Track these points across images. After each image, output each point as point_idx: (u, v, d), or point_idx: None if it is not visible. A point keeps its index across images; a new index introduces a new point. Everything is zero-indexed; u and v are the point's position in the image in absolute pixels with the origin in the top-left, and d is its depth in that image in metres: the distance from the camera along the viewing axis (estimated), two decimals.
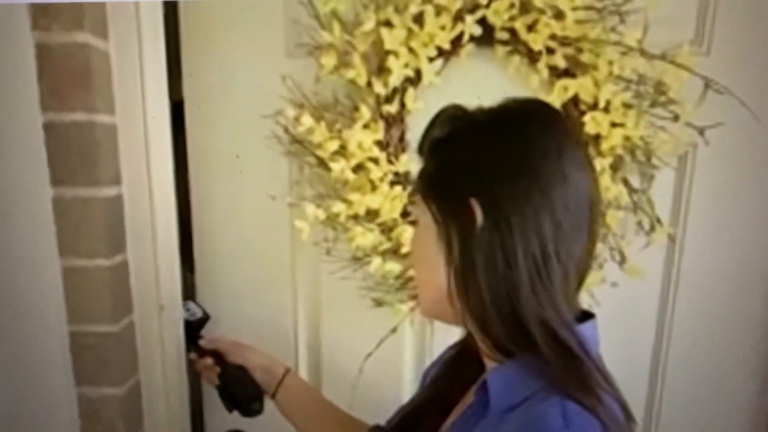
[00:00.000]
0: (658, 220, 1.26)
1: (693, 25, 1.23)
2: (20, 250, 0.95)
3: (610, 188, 1.21)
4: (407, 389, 1.42)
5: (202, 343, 1.21)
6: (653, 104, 1.20)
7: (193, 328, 1.24)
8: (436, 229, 0.75)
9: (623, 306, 1.32)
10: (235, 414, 1.15)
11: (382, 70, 1.19)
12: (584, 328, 0.72)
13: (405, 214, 1.24)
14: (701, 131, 1.19)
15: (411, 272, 1.25)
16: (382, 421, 1.07)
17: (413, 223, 1.21)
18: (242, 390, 1.14)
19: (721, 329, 1.35)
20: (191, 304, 1.26)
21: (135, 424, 1.11)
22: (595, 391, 0.66)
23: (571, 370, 0.67)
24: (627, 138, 1.19)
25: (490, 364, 0.77)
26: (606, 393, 0.67)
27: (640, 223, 1.27)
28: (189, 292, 1.30)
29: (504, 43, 1.19)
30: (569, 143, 0.71)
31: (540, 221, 0.67)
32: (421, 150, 0.80)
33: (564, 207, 0.68)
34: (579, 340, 0.69)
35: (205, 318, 1.26)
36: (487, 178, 0.70)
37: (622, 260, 1.26)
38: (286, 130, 1.26)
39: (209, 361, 1.18)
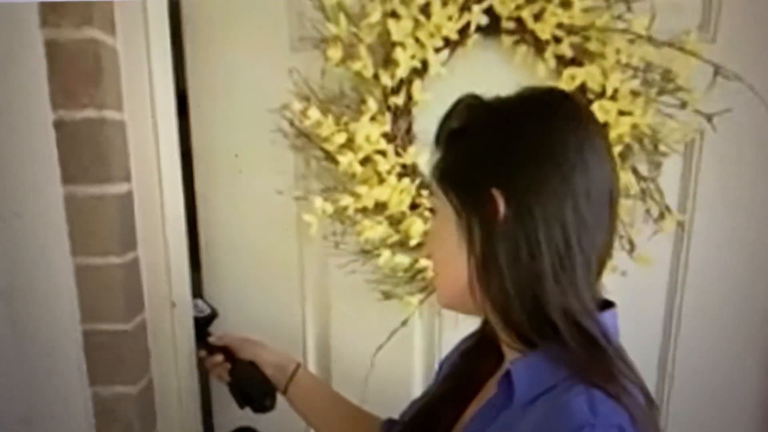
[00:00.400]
0: (668, 208, 1.28)
1: (699, 12, 1.24)
2: (33, 250, 0.95)
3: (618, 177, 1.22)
4: (417, 382, 1.43)
5: (211, 340, 1.22)
6: (661, 92, 1.21)
7: (202, 325, 1.25)
8: (457, 220, 0.75)
9: (631, 295, 1.33)
10: (246, 411, 1.17)
11: (388, 62, 1.20)
12: (605, 317, 0.73)
13: (413, 206, 1.25)
14: (709, 118, 1.21)
15: (423, 262, 1.26)
16: (393, 415, 1.09)
17: (432, 212, 1.22)
18: (254, 386, 1.15)
19: (730, 317, 1.36)
20: (199, 301, 1.28)
21: (149, 423, 1.12)
22: (618, 379, 0.67)
23: (595, 359, 0.68)
24: (635, 126, 1.20)
25: (511, 354, 0.78)
26: (629, 381, 0.69)
27: (648, 212, 1.29)
28: (195, 289, 1.31)
29: (511, 32, 1.20)
30: (591, 133, 0.72)
31: (563, 211, 0.68)
32: (438, 140, 0.80)
33: (586, 196, 0.69)
34: (602, 329, 0.70)
35: (214, 315, 1.27)
36: (509, 168, 0.71)
37: (632, 249, 1.28)
38: (292, 124, 1.27)
39: (219, 357, 1.19)
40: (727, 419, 1.43)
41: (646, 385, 0.72)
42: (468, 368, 0.93)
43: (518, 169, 0.70)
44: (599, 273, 0.76)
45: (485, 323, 0.91)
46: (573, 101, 0.78)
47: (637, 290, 1.33)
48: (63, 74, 0.91)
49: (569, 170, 0.69)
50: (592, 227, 0.71)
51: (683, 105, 1.21)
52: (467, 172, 0.75)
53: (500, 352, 0.83)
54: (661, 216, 1.28)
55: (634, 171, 1.26)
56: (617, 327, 0.76)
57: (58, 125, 0.93)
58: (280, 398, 1.18)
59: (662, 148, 1.25)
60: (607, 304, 0.77)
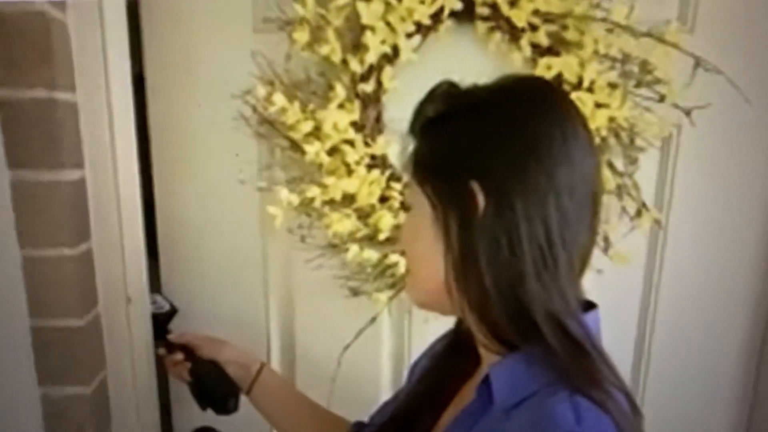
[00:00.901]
0: (644, 205, 1.28)
1: (677, 2, 1.25)
2: None
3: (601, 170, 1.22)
4: (386, 382, 1.43)
5: (171, 337, 1.20)
6: (638, 84, 1.21)
7: (161, 322, 1.22)
8: (433, 215, 0.73)
9: (607, 293, 1.34)
10: (207, 411, 1.15)
11: (357, 47, 1.18)
12: (588, 319, 0.72)
13: (383, 198, 1.24)
14: (688, 112, 1.21)
15: (393, 257, 1.25)
16: (361, 416, 1.08)
17: (406, 207, 1.21)
18: (216, 386, 1.13)
19: (705, 316, 1.38)
20: (158, 297, 1.25)
21: (104, 425, 1.08)
22: (603, 384, 0.66)
23: (579, 363, 0.67)
24: (612, 119, 1.20)
25: (489, 357, 0.76)
26: (614, 387, 0.67)
27: (624, 208, 1.29)
28: (154, 283, 1.28)
29: (485, 18, 1.19)
30: (575, 124, 0.70)
31: (545, 206, 0.67)
32: (412, 129, 0.78)
33: (569, 191, 0.67)
34: (586, 331, 0.69)
35: (173, 311, 1.24)
36: (488, 159, 0.69)
37: (607, 246, 1.28)
38: (255, 111, 1.24)
39: (179, 356, 1.16)
40: (703, 419, 1.45)
41: (630, 390, 0.71)
42: (442, 371, 0.90)
43: (499, 161, 0.68)
44: (581, 272, 0.74)
45: (459, 323, 0.89)
46: (556, 90, 0.77)
47: (611, 288, 1.32)
48: (7, 49, 0.87)
49: (552, 164, 0.67)
50: (575, 223, 0.69)
51: (661, 98, 1.21)
52: (444, 163, 0.73)
53: (477, 354, 0.81)
54: (638, 213, 1.29)
55: (611, 166, 1.26)
56: (599, 329, 0.74)
57: (3, 105, 0.88)
58: (243, 399, 1.15)
59: (639, 142, 1.25)
60: (589, 305, 0.75)
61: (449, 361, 0.90)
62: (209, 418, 1.17)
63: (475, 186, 0.68)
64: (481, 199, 0.68)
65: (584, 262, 0.74)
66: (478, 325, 0.75)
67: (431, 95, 0.77)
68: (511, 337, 0.71)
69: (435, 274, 0.74)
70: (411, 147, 0.79)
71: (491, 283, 0.69)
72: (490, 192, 0.68)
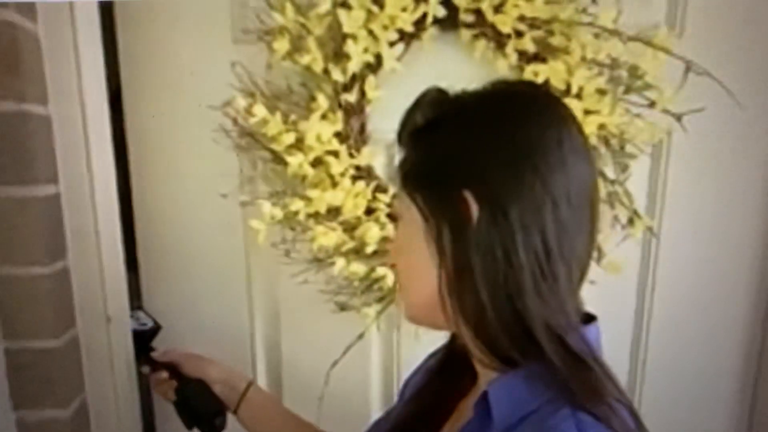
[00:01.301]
0: (636, 213, 1.28)
1: (664, 6, 1.24)
2: None
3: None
4: (375, 400, 1.42)
5: (155, 355, 1.18)
6: (628, 90, 1.21)
7: (144, 340, 1.21)
8: (424, 226, 0.71)
9: (600, 302, 1.33)
10: (195, 431, 1.14)
11: (339, 56, 1.17)
12: (589, 331, 0.70)
13: (369, 210, 1.23)
14: (679, 117, 1.21)
15: (381, 271, 1.24)
16: None
17: (394, 218, 1.20)
18: (203, 405, 1.12)
19: (701, 323, 1.37)
20: (140, 314, 1.24)
21: None
22: (606, 400, 0.64)
23: (582, 379, 0.65)
24: (602, 126, 1.20)
25: (486, 373, 0.74)
26: (617, 402, 0.65)
27: (616, 217, 1.28)
28: (134, 300, 1.27)
29: (469, 25, 1.18)
30: (570, 129, 0.69)
31: (541, 214, 0.65)
32: (400, 138, 0.77)
33: (566, 198, 0.66)
34: (587, 344, 0.67)
35: (157, 328, 1.23)
36: (481, 167, 0.67)
37: (600, 256, 1.27)
38: (236, 122, 1.23)
39: (164, 374, 1.15)
40: (700, 426, 1.44)
41: (634, 405, 0.69)
42: (437, 388, 0.89)
43: (492, 168, 0.67)
44: (580, 283, 0.72)
45: (454, 338, 0.87)
46: (549, 94, 0.75)
47: (605, 298, 1.32)
48: None
49: (548, 169, 0.65)
50: (573, 231, 0.67)
51: (652, 104, 1.21)
52: (435, 171, 0.72)
53: (472, 370, 0.80)
54: (630, 221, 1.28)
55: (602, 174, 1.25)
56: (600, 342, 0.72)
57: None
58: (230, 418, 1.14)
59: (629, 149, 1.25)
60: (588, 317, 0.73)
61: (443, 378, 0.88)
62: None
63: (468, 195, 0.67)
64: (474, 209, 0.66)
65: (583, 272, 0.72)
66: (474, 340, 0.73)
67: (419, 102, 0.75)
68: (509, 352, 0.68)
69: (428, 288, 0.72)
70: (399, 156, 0.78)
71: (487, 297, 0.67)
72: (484, 200, 0.66)
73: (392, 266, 0.86)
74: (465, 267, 0.68)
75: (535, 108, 0.70)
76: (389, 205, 1.22)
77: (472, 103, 0.72)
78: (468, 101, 0.72)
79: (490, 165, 0.67)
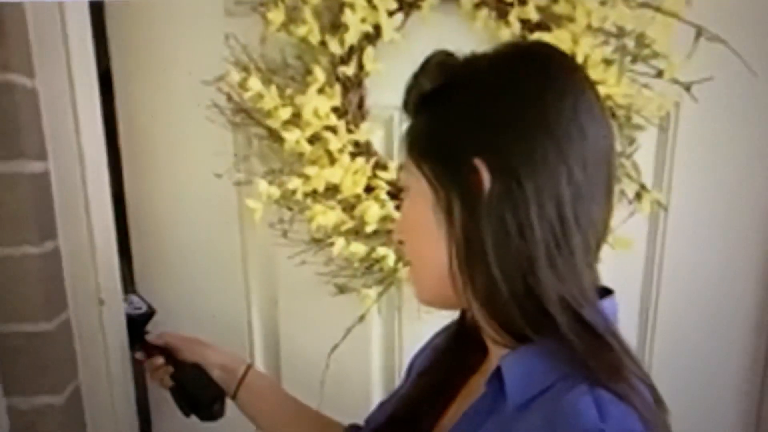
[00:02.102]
0: (644, 187, 1.28)
1: None
2: None
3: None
4: (377, 383, 1.42)
5: (149, 338, 1.18)
6: (635, 59, 1.21)
7: (138, 324, 1.20)
8: (433, 197, 0.71)
9: (606, 280, 1.34)
10: (191, 418, 1.14)
11: (336, 27, 1.17)
12: (605, 306, 0.69)
13: (369, 188, 1.23)
14: (688, 87, 1.20)
15: (381, 251, 1.24)
16: (352, 418, 1.07)
17: (395, 196, 1.20)
18: (201, 391, 1.12)
19: (710, 300, 1.38)
20: (134, 297, 1.23)
21: None
22: (625, 376, 0.63)
23: (599, 354, 0.64)
24: (608, 97, 1.19)
25: (497, 350, 0.73)
26: (637, 378, 0.65)
27: (622, 191, 1.29)
28: (127, 283, 1.27)
29: None
30: (585, 92, 0.67)
31: (556, 182, 0.64)
32: (407, 105, 0.76)
33: (582, 165, 0.65)
34: (604, 319, 0.66)
35: (151, 312, 1.22)
36: (493, 133, 0.66)
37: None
38: (230, 98, 1.23)
39: (160, 360, 1.15)
40: (708, 405, 1.45)
41: (653, 382, 0.68)
42: (445, 365, 0.88)
43: (505, 136, 0.66)
44: (597, 254, 0.71)
45: (464, 314, 0.87)
46: (564, 56, 0.73)
47: (612, 274, 1.32)
48: None
49: (563, 136, 0.64)
50: (589, 200, 0.66)
51: (660, 73, 1.21)
52: (444, 139, 0.71)
53: (482, 347, 0.79)
54: (638, 196, 1.28)
55: None
56: (617, 317, 0.71)
57: None
58: (229, 403, 1.14)
59: (636, 120, 1.25)
60: (604, 291, 0.72)
61: (452, 355, 0.88)
62: (192, 425, 1.16)
63: (480, 164, 0.66)
64: (486, 178, 0.65)
65: (599, 244, 0.71)
66: (485, 316, 0.72)
67: (426, 67, 0.74)
68: (522, 328, 0.67)
69: (438, 265, 0.71)
70: (405, 125, 0.77)
71: (499, 270, 0.66)
72: (496, 169, 0.65)
73: (399, 243, 0.85)
74: (476, 240, 0.67)
75: (550, 71, 0.68)
76: (390, 183, 1.22)
77: (482, 66, 0.71)
78: (478, 65, 0.71)
79: (503, 133, 0.66)
